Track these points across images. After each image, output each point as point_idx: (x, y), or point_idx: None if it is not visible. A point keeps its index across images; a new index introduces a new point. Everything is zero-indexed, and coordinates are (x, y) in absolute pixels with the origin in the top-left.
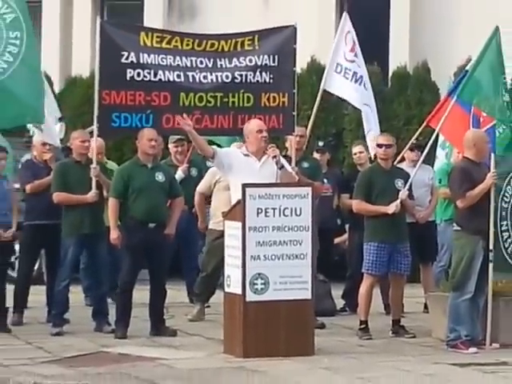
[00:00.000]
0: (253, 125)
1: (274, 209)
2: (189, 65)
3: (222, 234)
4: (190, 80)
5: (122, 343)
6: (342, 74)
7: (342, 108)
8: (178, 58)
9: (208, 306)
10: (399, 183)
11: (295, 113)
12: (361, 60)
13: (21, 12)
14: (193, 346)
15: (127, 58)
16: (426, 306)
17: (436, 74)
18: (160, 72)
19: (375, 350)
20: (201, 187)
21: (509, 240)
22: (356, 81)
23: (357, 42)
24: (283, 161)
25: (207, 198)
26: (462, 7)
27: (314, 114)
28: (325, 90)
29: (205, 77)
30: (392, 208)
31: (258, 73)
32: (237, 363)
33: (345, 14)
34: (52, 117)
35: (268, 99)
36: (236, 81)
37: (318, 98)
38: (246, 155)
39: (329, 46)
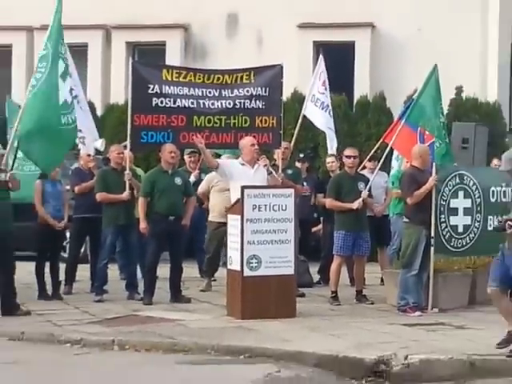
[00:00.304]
0: (247, 140)
1: (265, 205)
2: (200, 94)
3: (219, 225)
4: (201, 106)
5: (149, 308)
6: (314, 102)
7: (318, 128)
8: (192, 88)
9: (214, 280)
10: (361, 185)
11: (282, 131)
12: (328, 93)
13: (52, 49)
14: (203, 310)
15: (153, 90)
16: (382, 280)
17: (390, 102)
18: (178, 100)
19: (343, 313)
20: (201, 188)
21: (446, 229)
22: (323, 108)
23: (326, 79)
24: (271, 168)
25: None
26: (409, 52)
27: (296, 132)
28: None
29: (212, 103)
30: (356, 204)
31: (253, 100)
32: (236, 323)
33: (321, 57)
34: (92, 135)
35: (261, 121)
36: (236, 107)
37: (300, 121)
38: (242, 164)
39: (307, 81)
